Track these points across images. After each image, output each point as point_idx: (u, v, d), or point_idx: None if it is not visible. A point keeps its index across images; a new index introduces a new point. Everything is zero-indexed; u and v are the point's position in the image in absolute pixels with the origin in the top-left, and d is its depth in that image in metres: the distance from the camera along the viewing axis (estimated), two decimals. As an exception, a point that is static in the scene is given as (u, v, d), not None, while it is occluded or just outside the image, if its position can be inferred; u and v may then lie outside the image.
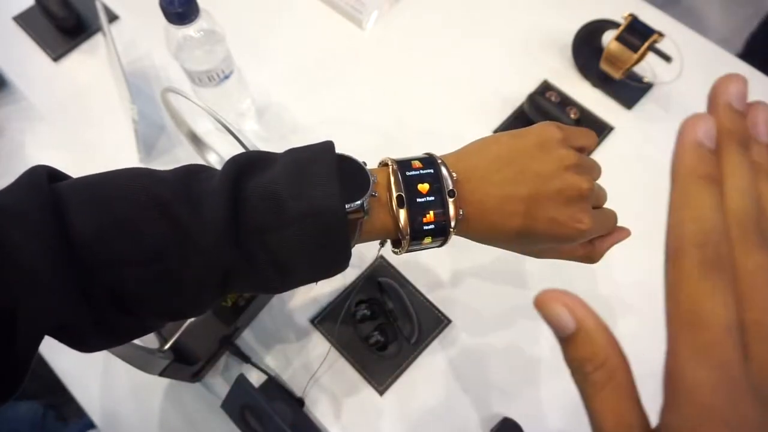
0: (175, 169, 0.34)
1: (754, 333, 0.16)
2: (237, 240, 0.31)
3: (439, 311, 0.57)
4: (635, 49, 0.62)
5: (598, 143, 0.66)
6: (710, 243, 0.16)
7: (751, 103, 0.20)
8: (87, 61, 0.74)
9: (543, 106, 0.64)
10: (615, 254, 0.41)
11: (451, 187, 0.34)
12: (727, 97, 0.19)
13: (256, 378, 0.54)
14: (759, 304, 0.16)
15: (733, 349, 0.15)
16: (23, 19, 0.77)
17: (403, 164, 0.35)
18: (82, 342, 0.32)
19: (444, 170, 0.34)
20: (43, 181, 0.30)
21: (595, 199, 0.37)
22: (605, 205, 0.40)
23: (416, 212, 0.33)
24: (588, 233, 0.35)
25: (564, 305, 0.18)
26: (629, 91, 0.68)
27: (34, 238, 0.28)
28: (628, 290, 0.57)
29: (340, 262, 0.34)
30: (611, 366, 0.18)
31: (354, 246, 0.34)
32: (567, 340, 0.18)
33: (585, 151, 0.38)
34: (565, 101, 0.67)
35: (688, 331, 0.16)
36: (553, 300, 0.18)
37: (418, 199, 0.34)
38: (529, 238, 0.36)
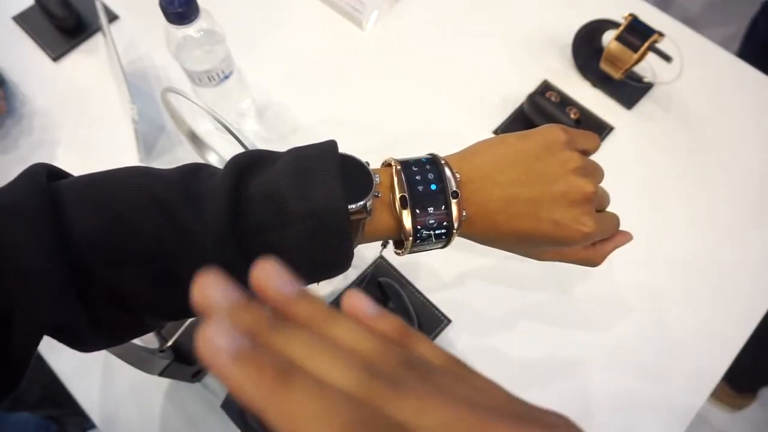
0: (176, 168, 0.33)
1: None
2: (238, 239, 0.31)
3: (439, 311, 0.57)
4: (635, 49, 0.63)
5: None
6: (368, 425, 0.14)
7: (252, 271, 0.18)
8: (87, 61, 0.74)
9: (543, 106, 0.64)
10: (615, 255, 0.41)
11: (454, 188, 0.34)
12: (216, 300, 0.16)
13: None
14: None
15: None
16: (23, 19, 0.77)
17: (407, 164, 0.35)
18: (81, 341, 0.31)
19: (448, 171, 0.34)
20: (42, 179, 0.30)
21: (598, 202, 0.37)
22: (608, 208, 0.40)
23: (419, 213, 0.33)
24: (591, 236, 0.35)
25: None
26: (629, 91, 0.68)
27: (31, 237, 0.28)
28: (628, 291, 0.57)
29: (342, 263, 0.34)
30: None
31: (356, 246, 0.34)
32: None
33: (588, 153, 0.38)
34: (565, 101, 0.67)
35: None
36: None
37: (422, 200, 0.33)
38: (532, 240, 0.36)
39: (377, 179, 0.34)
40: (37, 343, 0.30)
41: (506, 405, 0.17)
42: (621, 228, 0.41)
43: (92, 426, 0.56)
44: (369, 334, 0.17)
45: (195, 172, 0.33)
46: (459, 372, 0.18)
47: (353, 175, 0.33)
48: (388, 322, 0.18)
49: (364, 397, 0.14)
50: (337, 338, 0.17)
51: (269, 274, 0.17)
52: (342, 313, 0.18)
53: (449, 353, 0.18)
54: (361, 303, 0.18)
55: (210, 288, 0.16)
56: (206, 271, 0.17)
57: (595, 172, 0.37)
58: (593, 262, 0.40)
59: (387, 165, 0.36)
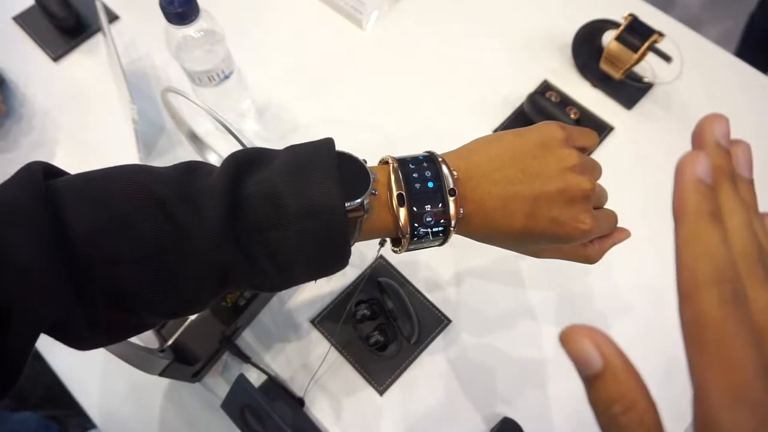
0: (173, 166, 0.33)
1: None
2: (235, 238, 0.31)
3: (439, 311, 0.57)
4: (635, 49, 0.63)
5: (598, 143, 0.66)
6: (726, 280, 0.16)
7: (733, 141, 0.21)
8: (87, 61, 0.74)
9: (543, 106, 0.64)
10: (614, 254, 0.41)
11: (451, 186, 0.34)
12: (714, 135, 0.20)
13: (256, 378, 0.54)
14: None
15: (765, 390, 0.15)
16: (23, 19, 0.77)
17: (404, 162, 0.35)
18: (78, 339, 0.31)
19: (445, 168, 0.34)
20: (39, 177, 0.30)
21: (596, 199, 0.37)
22: (605, 206, 0.40)
23: (416, 211, 0.33)
24: (589, 233, 0.35)
25: (591, 341, 0.17)
26: (629, 91, 0.68)
27: (28, 235, 0.28)
28: (627, 291, 0.57)
29: (340, 261, 0.34)
30: (641, 408, 0.17)
31: (353, 244, 0.34)
32: (593, 379, 0.17)
33: (586, 151, 0.38)
34: (565, 101, 0.67)
35: (719, 374, 0.15)
36: (580, 335, 0.18)
37: (419, 198, 0.33)
38: (530, 238, 0.36)
39: (374, 177, 0.34)
40: (34, 341, 0.29)
41: None
42: (619, 227, 0.41)
43: (94, 426, 0.56)
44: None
45: (192, 170, 0.33)
46: None
47: (350, 172, 0.33)
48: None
49: (745, 264, 0.17)
50: (757, 225, 0.19)
51: (748, 154, 0.21)
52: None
53: None
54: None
55: (720, 125, 0.20)
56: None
57: (592, 170, 0.37)
58: (591, 260, 0.40)
59: (384, 163, 0.36)
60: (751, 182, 0.21)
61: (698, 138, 0.20)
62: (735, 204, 0.18)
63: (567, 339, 0.18)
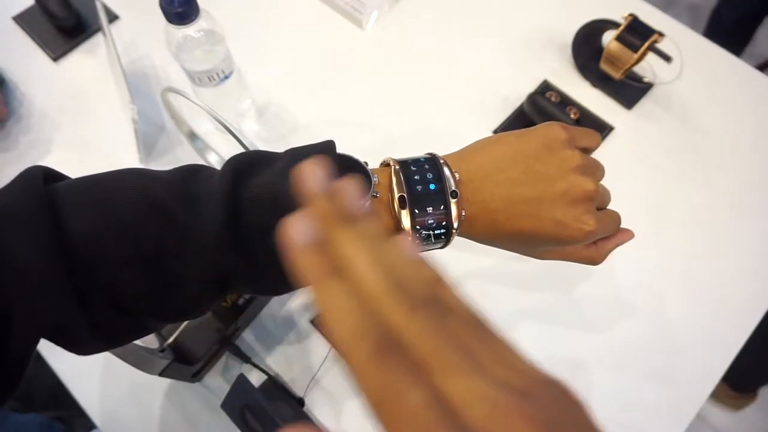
0: (174, 170, 0.33)
1: (447, 393, 0.15)
2: (236, 241, 0.31)
3: (440, 311, 0.57)
4: (635, 49, 0.62)
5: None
6: (366, 332, 0.16)
7: (340, 180, 0.20)
8: (87, 61, 0.74)
9: (543, 106, 0.64)
10: (616, 255, 0.41)
11: (453, 188, 0.34)
12: (309, 185, 0.19)
13: (256, 378, 0.54)
14: (436, 366, 0.16)
15: (441, 419, 0.15)
16: (23, 19, 0.77)
17: (405, 164, 0.34)
18: (79, 344, 0.31)
19: (447, 170, 0.34)
20: (39, 181, 0.30)
21: (599, 200, 0.37)
22: (608, 207, 0.40)
23: (418, 213, 0.33)
24: (592, 235, 0.35)
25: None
26: (629, 91, 0.68)
27: (28, 239, 0.28)
28: (630, 291, 0.57)
29: None
30: None
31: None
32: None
33: (589, 151, 0.38)
34: (565, 101, 0.67)
35: (399, 424, 0.15)
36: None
37: (420, 200, 0.33)
38: (533, 240, 0.36)
39: (376, 179, 0.34)
40: (35, 345, 0.29)
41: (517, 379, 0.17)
42: (622, 228, 0.41)
43: (95, 426, 0.56)
44: (412, 263, 0.19)
45: (193, 173, 0.33)
46: (471, 324, 0.19)
47: (351, 175, 0.33)
48: (429, 270, 0.19)
49: (381, 305, 0.17)
50: (386, 254, 0.18)
51: (352, 188, 0.20)
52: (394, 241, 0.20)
53: (473, 309, 0.19)
54: (412, 244, 0.20)
55: (312, 173, 0.19)
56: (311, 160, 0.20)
57: (595, 170, 0.37)
58: (594, 261, 0.40)
59: (385, 165, 0.36)
60: (365, 214, 0.20)
61: (300, 193, 0.19)
62: (352, 248, 0.18)
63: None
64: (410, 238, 0.21)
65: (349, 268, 0.17)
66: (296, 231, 0.18)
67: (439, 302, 0.18)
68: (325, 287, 0.17)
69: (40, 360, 0.57)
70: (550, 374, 0.18)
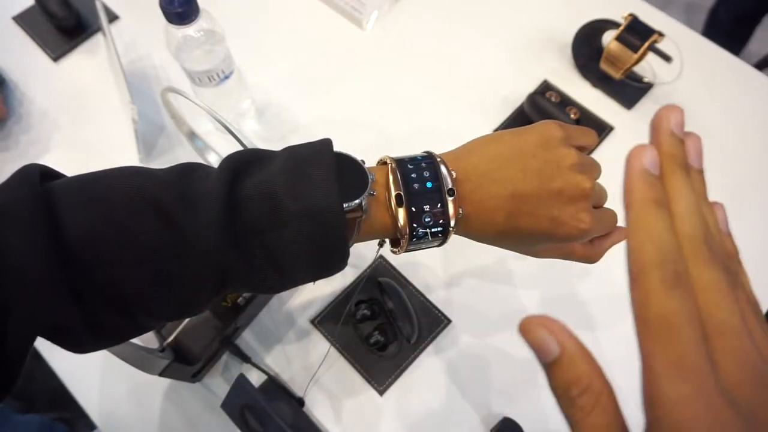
0: (170, 168, 0.33)
1: (716, 344, 0.17)
2: (234, 240, 0.31)
3: (439, 311, 0.57)
4: (635, 49, 0.62)
5: (598, 143, 0.66)
6: (668, 262, 0.17)
7: (686, 133, 0.22)
8: (87, 61, 0.74)
9: (543, 106, 0.64)
10: (614, 254, 0.41)
11: (450, 186, 0.34)
12: (668, 125, 0.21)
13: (256, 378, 0.54)
14: (717, 316, 0.17)
15: (704, 360, 0.16)
16: (23, 19, 0.77)
17: (402, 162, 0.34)
18: (76, 343, 0.31)
19: (443, 169, 0.34)
20: (35, 179, 0.30)
21: (596, 198, 0.37)
22: (605, 205, 0.40)
23: (415, 211, 0.33)
24: (589, 233, 0.35)
25: (548, 330, 0.19)
26: (629, 91, 0.68)
27: (23, 237, 0.27)
28: (626, 290, 0.57)
29: (338, 262, 0.34)
30: (596, 389, 0.18)
31: (352, 245, 0.34)
32: (551, 365, 0.19)
33: (585, 149, 0.38)
34: (565, 101, 0.67)
35: (660, 347, 0.17)
36: (537, 325, 0.19)
37: (417, 198, 0.33)
38: (530, 237, 0.36)
39: (372, 177, 0.33)
40: (31, 344, 0.29)
41: None
42: (619, 226, 0.41)
43: (95, 426, 0.56)
44: (721, 231, 0.22)
45: (190, 172, 0.33)
46: (753, 303, 0.21)
47: (349, 173, 0.33)
48: (732, 245, 0.23)
49: (690, 246, 0.18)
50: (706, 211, 0.21)
51: (699, 144, 0.22)
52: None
53: (757, 300, 0.21)
54: (726, 218, 0.23)
55: (674, 116, 0.21)
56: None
57: (592, 169, 0.37)
58: (591, 259, 0.40)
59: (383, 163, 0.36)
60: (701, 172, 0.22)
61: (655, 127, 0.21)
62: (684, 190, 0.20)
63: (526, 329, 0.19)
64: (723, 213, 0.23)
65: (679, 205, 0.19)
66: (645, 156, 0.19)
67: (733, 273, 0.20)
68: (648, 210, 0.18)
69: (43, 360, 0.57)
70: None
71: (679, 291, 0.17)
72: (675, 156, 0.20)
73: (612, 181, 0.40)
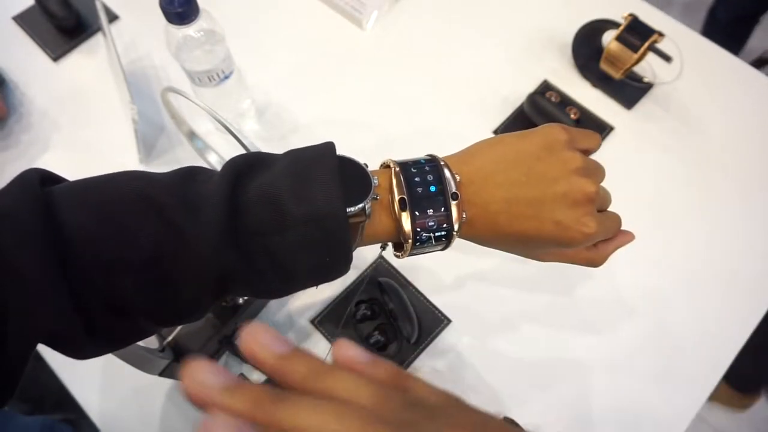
0: (173, 171, 0.33)
1: None
2: (236, 244, 0.30)
3: (439, 311, 0.57)
4: (635, 49, 0.62)
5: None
6: None
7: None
8: (87, 61, 0.74)
9: (543, 106, 0.64)
10: (616, 257, 0.41)
11: (454, 190, 0.34)
12: (206, 388, 0.18)
13: (256, 378, 0.54)
14: None
15: None
16: (23, 19, 0.77)
17: (405, 166, 0.34)
18: (76, 349, 0.31)
19: (447, 172, 0.34)
20: (35, 184, 0.30)
21: (600, 202, 0.37)
22: (609, 208, 0.40)
23: (419, 215, 0.33)
24: (593, 237, 0.35)
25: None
26: (629, 91, 0.68)
27: (23, 242, 0.27)
28: (629, 291, 0.57)
29: (341, 267, 0.33)
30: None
31: (355, 249, 0.34)
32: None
33: (589, 153, 0.38)
34: (565, 101, 0.67)
35: None
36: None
37: (421, 202, 0.33)
38: (534, 242, 0.35)
39: (376, 181, 0.33)
40: (32, 349, 0.29)
41: None
42: (623, 230, 0.41)
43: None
44: (367, 382, 0.18)
45: (192, 175, 0.33)
46: (458, 406, 0.19)
47: (352, 177, 0.33)
48: (383, 368, 0.19)
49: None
50: (338, 392, 0.17)
51: (258, 336, 0.19)
52: (336, 365, 0.19)
53: (444, 390, 0.19)
54: (351, 352, 0.19)
55: (199, 374, 0.18)
56: (189, 360, 0.17)
57: (596, 172, 0.37)
58: (595, 263, 0.39)
59: (386, 167, 0.35)
60: (296, 350, 0.19)
61: (202, 400, 0.18)
62: (306, 411, 0.16)
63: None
64: (347, 344, 0.20)
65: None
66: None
67: (420, 404, 0.18)
68: None
69: (47, 362, 0.57)
70: None
71: None
72: (254, 399, 0.17)
73: (612, 181, 0.40)
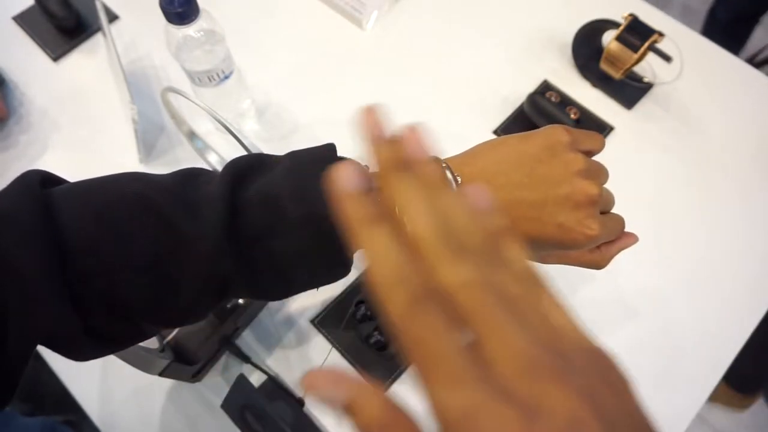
0: (172, 173, 0.33)
1: (483, 344, 0.16)
2: (235, 245, 0.30)
3: (440, 311, 0.57)
4: (635, 49, 0.62)
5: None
6: (404, 279, 0.16)
7: (406, 126, 0.20)
8: (87, 61, 0.74)
9: (543, 106, 0.64)
10: (616, 257, 0.41)
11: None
12: (371, 130, 0.19)
13: (256, 378, 0.54)
14: (477, 316, 0.16)
15: (471, 366, 0.15)
16: (23, 19, 0.77)
17: None
18: (75, 351, 0.31)
19: (448, 174, 0.34)
20: (35, 185, 0.30)
21: (603, 204, 0.36)
22: (612, 210, 0.40)
23: None
24: (596, 239, 0.35)
25: (332, 383, 0.18)
26: (629, 91, 0.68)
27: (23, 244, 0.27)
28: (632, 295, 0.57)
29: (342, 268, 0.33)
30: (395, 427, 0.17)
31: (356, 251, 0.34)
32: (347, 413, 0.18)
33: (592, 154, 0.38)
34: (565, 101, 0.67)
35: (425, 368, 0.16)
36: (320, 379, 0.18)
37: None
38: (536, 244, 0.35)
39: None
40: (32, 351, 0.29)
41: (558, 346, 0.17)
42: (626, 231, 0.40)
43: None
44: (471, 213, 0.18)
45: (192, 177, 0.33)
46: (525, 280, 0.18)
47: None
48: (493, 221, 0.19)
49: (425, 252, 0.17)
50: (443, 203, 0.18)
51: (417, 135, 0.20)
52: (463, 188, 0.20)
53: (532, 266, 0.19)
54: (483, 194, 0.20)
55: (369, 116, 0.19)
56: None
57: (599, 174, 0.37)
58: (598, 265, 0.39)
59: None
60: (430, 162, 0.20)
61: (361, 134, 0.20)
62: (406, 194, 0.18)
63: (310, 385, 0.18)
64: (483, 188, 0.20)
65: (401, 209, 0.17)
66: (339, 179, 0.18)
67: (495, 255, 0.18)
68: (363, 232, 0.17)
69: (47, 362, 0.57)
70: (602, 346, 0.18)
71: (424, 307, 0.16)
72: (387, 159, 0.19)
73: (612, 181, 0.40)
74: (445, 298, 0.16)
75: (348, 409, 0.17)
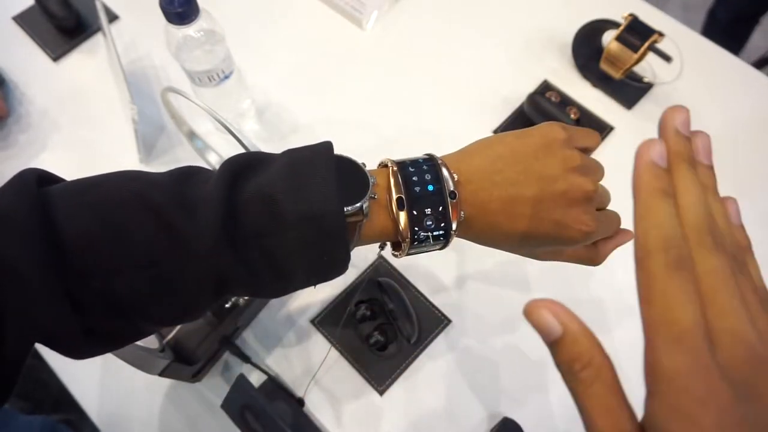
0: (170, 172, 0.33)
1: (715, 325, 0.18)
2: (233, 245, 0.30)
3: (440, 311, 0.57)
4: (635, 49, 0.62)
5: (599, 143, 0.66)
6: (672, 247, 0.19)
7: (694, 131, 0.23)
8: (87, 61, 0.74)
9: (543, 106, 0.64)
10: (615, 255, 0.41)
11: (452, 189, 0.33)
12: (674, 124, 0.23)
13: (256, 378, 0.54)
14: (718, 300, 0.19)
15: (701, 339, 0.18)
16: (23, 19, 0.77)
17: (403, 165, 0.34)
18: (73, 349, 0.31)
19: (445, 171, 0.34)
20: (32, 184, 0.30)
21: (599, 200, 0.36)
22: (608, 207, 0.40)
23: (416, 214, 0.33)
24: (592, 235, 0.35)
25: (550, 311, 0.20)
26: (629, 91, 0.68)
27: (20, 243, 0.27)
28: (629, 292, 0.57)
29: (339, 266, 0.33)
30: (597, 364, 0.20)
31: (353, 249, 0.34)
32: (555, 344, 0.21)
33: (588, 151, 0.38)
34: (565, 101, 0.67)
35: (662, 325, 0.18)
36: (540, 307, 0.21)
37: (419, 201, 0.33)
38: (533, 241, 0.35)
39: (374, 180, 0.33)
40: (29, 351, 0.29)
41: None
42: (622, 228, 0.41)
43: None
44: (730, 222, 0.23)
45: (189, 176, 0.33)
46: (760, 292, 0.22)
47: (349, 176, 0.33)
48: (742, 237, 0.24)
49: (693, 235, 0.20)
50: (712, 203, 0.22)
51: (708, 143, 0.24)
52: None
53: (765, 285, 0.22)
54: (738, 210, 0.25)
55: (681, 116, 0.23)
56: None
57: (595, 170, 0.37)
58: (594, 262, 0.39)
59: (383, 166, 0.35)
60: (709, 168, 0.24)
61: (662, 126, 0.23)
62: (690, 184, 0.21)
63: (530, 311, 0.21)
64: (735, 206, 0.25)
65: (684, 197, 0.21)
66: (653, 150, 0.21)
67: (742, 263, 0.22)
68: (654, 199, 0.20)
69: (47, 361, 0.57)
70: None
71: (681, 273, 0.19)
72: (680, 152, 0.22)
73: (612, 181, 0.40)
74: (694, 276, 0.19)
75: (555, 343, 0.20)
